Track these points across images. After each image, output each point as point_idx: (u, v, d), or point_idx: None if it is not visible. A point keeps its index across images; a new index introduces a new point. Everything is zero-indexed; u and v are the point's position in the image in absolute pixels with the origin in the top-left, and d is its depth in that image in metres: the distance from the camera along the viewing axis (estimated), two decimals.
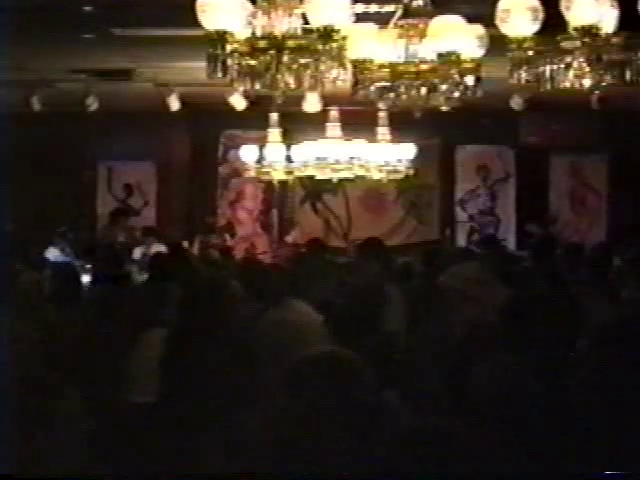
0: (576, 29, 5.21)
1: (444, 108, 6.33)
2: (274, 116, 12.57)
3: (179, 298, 5.67)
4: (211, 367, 4.66)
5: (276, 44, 5.30)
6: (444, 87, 5.90)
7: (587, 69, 5.35)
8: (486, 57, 5.86)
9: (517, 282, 6.95)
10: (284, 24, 5.31)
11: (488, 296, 5.97)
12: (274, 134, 12.54)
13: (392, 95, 6.04)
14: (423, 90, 5.96)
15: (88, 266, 10.44)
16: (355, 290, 5.87)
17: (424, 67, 5.93)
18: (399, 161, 12.36)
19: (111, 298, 6.39)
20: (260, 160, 12.59)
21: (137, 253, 12.34)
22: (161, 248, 11.39)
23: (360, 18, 5.74)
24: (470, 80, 5.82)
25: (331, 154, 12.00)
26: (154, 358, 5.55)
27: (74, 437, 2.91)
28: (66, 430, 2.84)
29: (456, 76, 5.80)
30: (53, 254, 12.18)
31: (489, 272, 6.97)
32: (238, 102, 12.33)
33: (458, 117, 9.80)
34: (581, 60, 5.32)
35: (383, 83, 5.97)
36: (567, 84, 5.49)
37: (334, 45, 5.21)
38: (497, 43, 5.60)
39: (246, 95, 12.03)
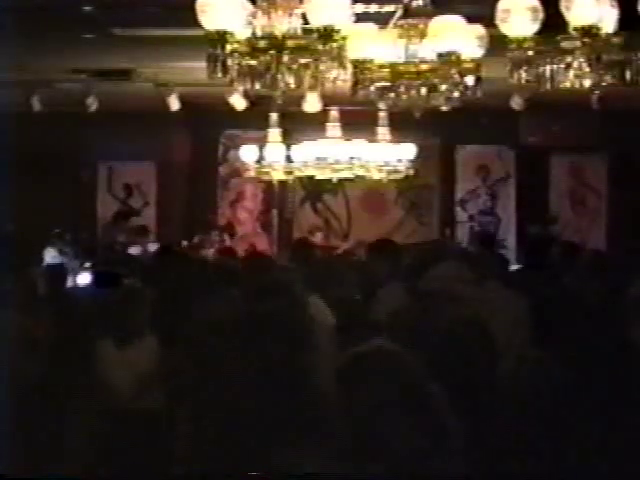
0: (576, 29, 5.22)
1: (444, 108, 6.33)
2: (274, 116, 12.57)
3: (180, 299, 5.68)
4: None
5: (276, 44, 5.30)
6: (444, 87, 5.90)
7: (587, 69, 5.35)
8: (486, 57, 5.86)
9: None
10: (284, 24, 5.31)
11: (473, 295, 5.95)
12: (274, 134, 12.55)
13: (392, 95, 6.03)
14: (423, 90, 5.96)
15: (87, 266, 10.43)
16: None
17: (424, 67, 5.92)
18: (399, 161, 12.36)
19: (110, 299, 6.38)
20: (260, 160, 12.59)
21: (132, 253, 12.32)
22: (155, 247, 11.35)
23: (360, 18, 5.74)
24: (470, 80, 5.82)
25: (331, 154, 12.00)
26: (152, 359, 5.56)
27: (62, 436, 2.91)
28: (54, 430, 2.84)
29: (456, 76, 5.80)
30: (51, 255, 12.17)
31: (472, 271, 6.94)
32: (238, 102, 12.32)
33: (458, 117, 9.79)
34: (581, 60, 5.32)
35: (383, 83, 5.97)
36: (567, 84, 5.49)
37: (334, 45, 5.21)
38: (497, 43, 5.60)
39: (246, 95, 12.02)
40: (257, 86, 5.47)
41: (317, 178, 12.71)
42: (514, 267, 9.64)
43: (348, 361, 3.36)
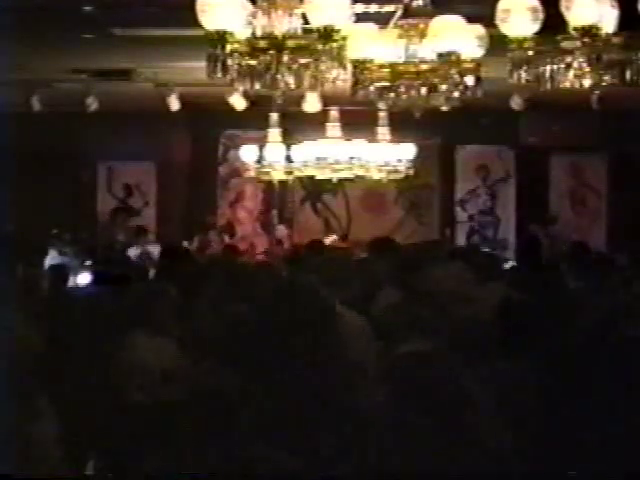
0: (576, 29, 5.21)
1: (444, 108, 6.33)
2: (274, 116, 12.57)
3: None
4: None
5: (276, 44, 5.30)
6: (444, 87, 5.90)
7: (587, 69, 5.35)
8: (486, 57, 5.86)
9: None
10: (284, 24, 5.31)
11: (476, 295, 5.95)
12: (274, 134, 12.55)
13: (392, 95, 6.03)
14: (423, 90, 5.96)
15: (87, 266, 10.43)
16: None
17: (424, 67, 5.92)
18: (399, 161, 12.36)
19: (111, 298, 6.38)
20: (260, 160, 12.59)
21: (131, 253, 12.32)
22: (156, 248, 11.36)
23: (360, 18, 5.74)
24: (470, 80, 5.82)
25: (331, 154, 12.00)
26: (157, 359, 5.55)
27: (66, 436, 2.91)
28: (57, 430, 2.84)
29: (456, 76, 5.80)
30: (51, 255, 12.16)
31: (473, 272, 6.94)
32: (238, 102, 12.33)
33: (458, 117, 9.80)
34: (581, 60, 5.32)
35: (383, 83, 5.97)
36: (567, 84, 5.49)
37: (334, 45, 5.21)
38: (497, 43, 5.61)
39: (246, 95, 12.02)
40: (257, 86, 5.47)
41: (317, 178, 12.71)
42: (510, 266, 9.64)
43: (389, 363, 3.37)
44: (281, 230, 15.05)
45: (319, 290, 4.86)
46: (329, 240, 13.52)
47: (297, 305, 4.46)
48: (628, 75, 5.40)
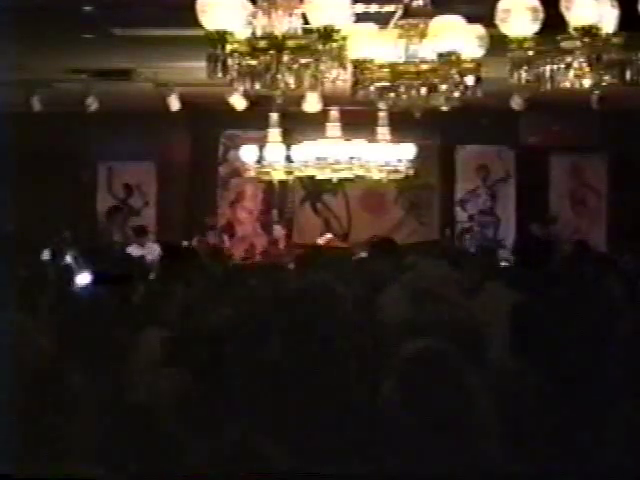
0: (576, 29, 5.22)
1: (444, 108, 6.34)
2: (274, 116, 12.57)
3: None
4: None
5: (276, 44, 5.30)
6: (444, 87, 5.91)
7: (587, 69, 5.35)
8: (486, 57, 5.86)
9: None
10: (284, 24, 5.32)
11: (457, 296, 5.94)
12: (274, 134, 12.55)
13: (392, 95, 6.04)
14: (423, 90, 5.97)
15: (87, 265, 10.41)
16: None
17: (424, 67, 5.93)
18: (399, 161, 12.36)
19: (111, 299, 6.37)
20: (260, 160, 12.59)
21: (132, 253, 12.30)
22: (156, 248, 11.34)
23: (360, 18, 5.75)
24: (470, 80, 5.83)
25: (331, 154, 12.00)
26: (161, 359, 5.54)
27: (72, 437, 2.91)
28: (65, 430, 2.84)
29: (456, 76, 5.81)
30: (51, 255, 12.15)
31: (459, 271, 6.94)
32: (238, 102, 12.33)
33: (458, 117, 9.79)
34: (581, 60, 5.33)
35: (383, 83, 5.98)
36: (567, 84, 5.49)
37: (334, 45, 5.22)
38: (497, 43, 5.61)
39: (246, 95, 12.03)
40: (257, 86, 5.48)
41: (317, 178, 12.71)
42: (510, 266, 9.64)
43: (398, 362, 3.36)
44: (277, 230, 15.06)
45: (304, 292, 4.86)
46: (324, 239, 13.55)
47: (281, 307, 4.46)
48: (628, 75, 5.40)
